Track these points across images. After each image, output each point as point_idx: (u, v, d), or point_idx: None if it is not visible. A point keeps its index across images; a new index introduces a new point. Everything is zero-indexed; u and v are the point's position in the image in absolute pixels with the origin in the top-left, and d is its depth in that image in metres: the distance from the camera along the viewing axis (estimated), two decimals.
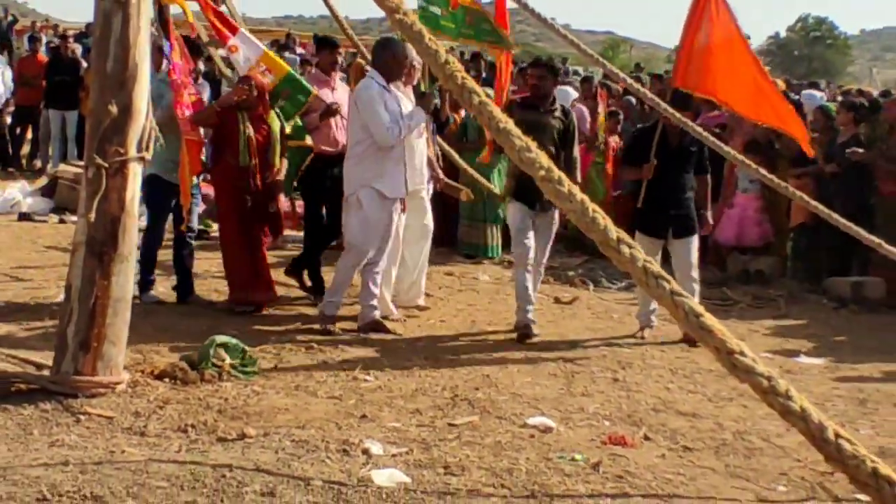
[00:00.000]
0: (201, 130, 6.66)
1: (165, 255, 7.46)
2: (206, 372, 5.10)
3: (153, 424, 4.39)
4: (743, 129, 8.88)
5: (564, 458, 4.20)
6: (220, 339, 5.34)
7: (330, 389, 5.10)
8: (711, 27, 6.54)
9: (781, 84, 12.21)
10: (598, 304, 7.92)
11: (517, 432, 4.55)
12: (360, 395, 5.02)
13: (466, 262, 9.17)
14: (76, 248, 4.78)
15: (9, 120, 13.87)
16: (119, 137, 4.73)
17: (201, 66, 7.20)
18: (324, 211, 7.40)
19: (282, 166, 6.87)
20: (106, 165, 4.69)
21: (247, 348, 5.40)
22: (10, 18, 20.69)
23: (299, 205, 9.45)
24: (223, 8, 7.33)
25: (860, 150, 8.33)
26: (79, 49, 13.85)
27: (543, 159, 3.90)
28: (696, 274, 6.63)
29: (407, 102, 6.46)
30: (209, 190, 7.74)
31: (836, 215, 5.59)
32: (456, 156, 8.39)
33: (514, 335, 6.52)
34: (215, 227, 7.92)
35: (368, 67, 6.83)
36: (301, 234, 8.96)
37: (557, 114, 6.58)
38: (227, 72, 8.67)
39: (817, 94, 12.64)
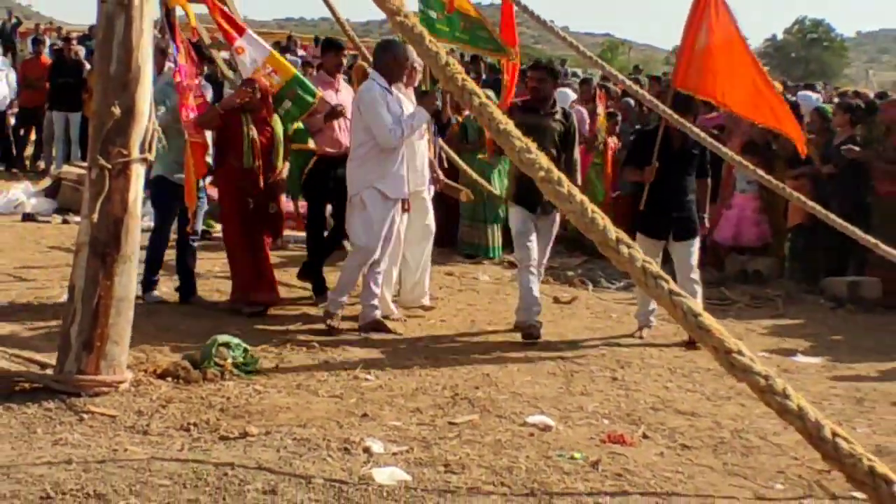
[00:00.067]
0: (206, 133, 6.69)
1: (168, 255, 7.47)
2: (208, 371, 5.13)
3: (156, 423, 4.41)
4: (740, 130, 8.90)
5: (564, 457, 4.22)
6: (223, 338, 5.37)
7: (331, 388, 5.13)
8: (711, 28, 6.55)
9: (778, 86, 12.24)
10: (596, 303, 7.94)
11: (517, 431, 4.58)
12: (361, 394, 5.05)
13: (466, 262, 9.19)
14: (79, 249, 4.81)
15: (13, 121, 13.92)
16: (122, 139, 4.76)
17: (205, 68, 7.20)
18: (328, 212, 7.43)
19: (283, 168, 6.90)
20: (109, 167, 4.72)
21: (249, 347, 5.43)
22: (13, 21, 20.76)
23: (302, 205, 9.49)
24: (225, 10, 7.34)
25: (856, 148, 8.36)
26: (82, 51, 13.88)
27: (543, 160, 3.92)
28: (696, 276, 6.63)
29: (408, 104, 6.50)
30: (213, 191, 7.76)
31: (832, 216, 5.61)
32: (455, 157, 8.42)
33: (514, 335, 6.55)
34: (218, 227, 7.95)
35: (370, 69, 6.86)
36: (303, 234, 9.02)
37: (558, 116, 6.59)
38: (230, 74, 8.69)
39: (813, 95, 12.65)
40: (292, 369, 5.49)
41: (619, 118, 10.54)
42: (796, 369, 6.13)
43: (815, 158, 8.77)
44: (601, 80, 11.60)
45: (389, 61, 6.36)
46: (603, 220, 3.79)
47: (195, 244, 7.10)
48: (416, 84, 6.90)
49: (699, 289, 6.57)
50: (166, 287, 7.21)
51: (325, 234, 7.55)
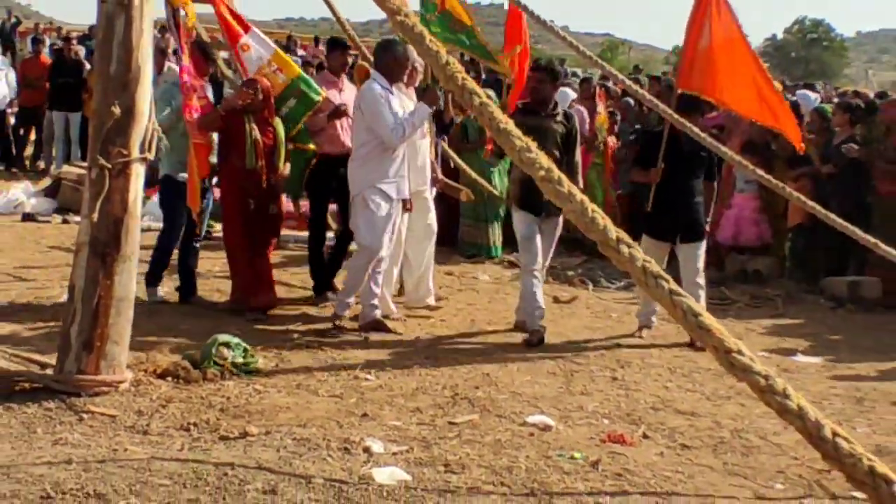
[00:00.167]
0: (212, 133, 6.68)
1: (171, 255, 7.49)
2: (208, 371, 5.14)
3: (156, 423, 4.42)
4: (740, 129, 8.90)
5: (564, 457, 4.22)
6: (222, 338, 5.37)
7: (331, 388, 5.13)
8: (713, 27, 6.55)
9: (778, 86, 12.23)
10: (596, 303, 7.94)
11: (517, 431, 4.58)
12: (360, 394, 5.05)
13: (466, 262, 9.20)
14: (79, 249, 4.81)
15: (12, 121, 13.94)
16: (122, 139, 4.76)
17: (211, 69, 7.17)
18: (333, 213, 7.43)
19: (285, 169, 6.90)
20: (109, 166, 4.72)
21: (248, 347, 5.43)
22: (13, 20, 20.78)
23: (303, 205, 9.49)
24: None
25: (856, 147, 8.36)
26: (82, 51, 13.91)
27: (543, 160, 3.93)
28: (701, 280, 6.59)
29: (409, 103, 6.50)
30: (217, 192, 7.75)
31: (832, 215, 5.60)
32: (455, 157, 8.42)
33: (515, 334, 6.56)
34: (218, 227, 7.94)
35: (372, 69, 6.86)
36: (303, 234, 9.02)
37: (559, 118, 6.57)
38: (230, 74, 8.69)
39: (812, 94, 12.67)
40: (292, 369, 5.49)
41: (618, 118, 10.54)
42: (796, 369, 6.13)
43: (815, 158, 8.77)
44: (600, 79, 11.59)
45: (390, 61, 6.37)
46: (603, 219, 3.79)
47: (198, 245, 7.10)
48: (416, 84, 6.90)
49: (703, 293, 6.54)
50: (167, 287, 7.21)
51: (328, 235, 7.56)
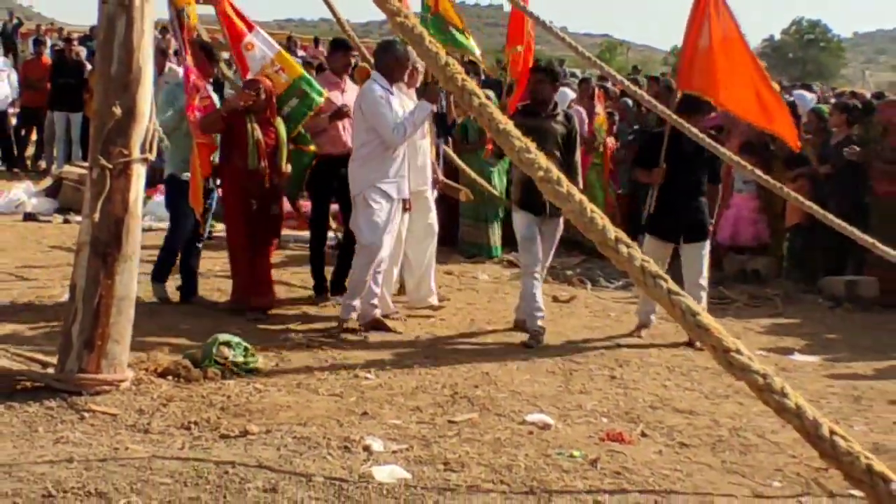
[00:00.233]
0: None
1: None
2: (208, 370, 5.15)
3: (157, 422, 4.43)
4: (739, 130, 8.92)
5: (563, 455, 4.24)
6: (223, 337, 5.38)
7: (331, 387, 5.15)
8: (712, 27, 6.56)
9: (776, 86, 12.25)
10: (595, 302, 7.96)
11: (516, 429, 4.60)
12: (360, 393, 5.07)
13: (466, 262, 9.21)
14: (80, 248, 4.82)
15: (14, 122, 13.97)
16: (123, 139, 4.78)
17: (216, 70, 7.16)
18: (331, 212, 7.44)
19: (286, 168, 6.91)
20: (110, 166, 4.73)
21: (249, 346, 5.44)
22: (15, 22, 20.83)
23: (304, 205, 9.51)
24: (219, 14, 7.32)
25: (857, 149, 8.38)
26: (83, 52, 13.92)
27: (542, 160, 3.95)
28: (704, 281, 6.59)
29: (409, 104, 6.50)
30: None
31: (830, 215, 5.62)
32: (455, 157, 8.44)
33: (514, 334, 6.57)
34: (219, 227, 7.96)
35: (372, 70, 6.87)
36: (303, 234, 9.04)
37: (560, 118, 6.57)
38: (230, 74, 8.70)
39: (808, 95, 12.69)
40: (292, 368, 5.50)
41: (616, 118, 10.56)
42: (794, 368, 6.15)
43: (813, 159, 8.80)
44: (598, 79, 11.61)
45: (390, 61, 6.39)
46: (602, 219, 3.81)
47: (200, 245, 7.11)
48: (417, 85, 6.91)
49: (704, 295, 6.54)
50: (168, 287, 7.22)
51: (330, 236, 7.57)
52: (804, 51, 71.16)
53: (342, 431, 4.41)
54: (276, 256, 7.71)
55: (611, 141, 10.22)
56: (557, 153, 6.37)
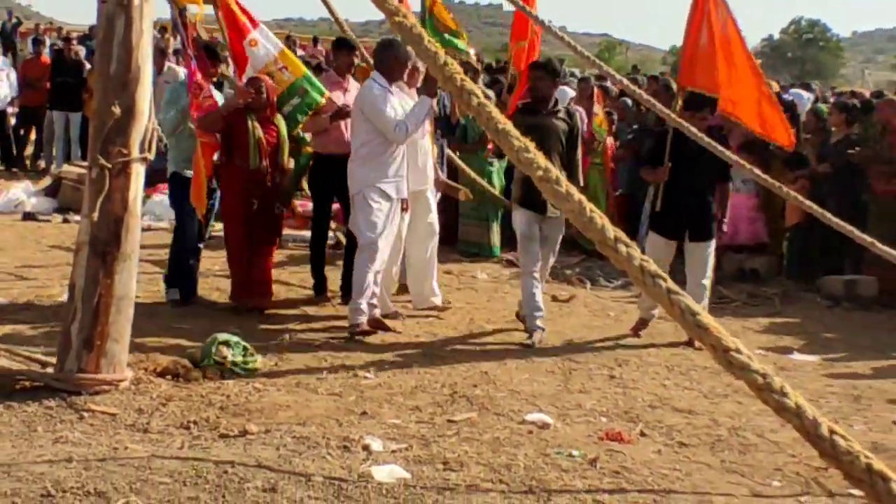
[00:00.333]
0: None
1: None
2: (208, 369, 5.16)
3: (156, 421, 4.44)
4: (738, 129, 8.92)
5: (562, 454, 4.25)
6: (222, 336, 5.39)
7: (330, 387, 5.15)
8: (711, 25, 6.57)
9: (775, 86, 12.25)
10: (594, 302, 7.96)
11: (515, 429, 4.60)
12: (360, 393, 5.07)
13: (465, 261, 9.22)
14: (80, 248, 4.83)
15: (13, 121, 13.98)
16: (122, 138, 4.78)
17: (219, 70, 7.14)
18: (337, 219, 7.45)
19: (289, 163, 6.89)
20: (109, 166, 4.74)
21: (248, 346, 5.44)
22: (14, 21, 20.88)
23: (301, 204, 9.51)
24: (220, 14, 7.31)
25: (857, 149, 8.39)
26: (82, 51, 13.95)
27: (541, 160, 3.95)
28: (707, 281, 6.57)
29: (410, 103, 6.48)
30: None
31: (829, 215, 5.62)
32: (455, 157, 8.44)
33: (513, 333, 6.57)
34: (218, 226, 7.96)
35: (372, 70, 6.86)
36: (303, 233, 9.04)
37: (561, 115, 6.56)
38: (229, 73, 8.70)
39: (805, 94, 12.70)
40: (292, 367, 5.51)
41: (615, 117, 10.56)
42: (793, 367, 6.15)
43: (812, 158, 8.80)
44: (597, 79, 11.60)
45: (390, 61, 6.38)
46: (601, 218, 3.81)
47: (202, 245, 7.11)
48: (418, 85, 6.90)
49: (706, 295, 6.53)
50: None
51: (329, 235, 7.57)
52: (803, 50, 71.28)
53: (341, 431, 4.42)
54: (277, 256, 7.71)
55: (610, 141, 10.22)
56: (559, 149, 6.36)
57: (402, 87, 6.65)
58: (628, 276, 3.98)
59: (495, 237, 9.49)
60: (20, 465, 3.78)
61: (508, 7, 7.30)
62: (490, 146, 9.16)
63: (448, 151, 8.02)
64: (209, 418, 4.51)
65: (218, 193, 6.94)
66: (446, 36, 7.65)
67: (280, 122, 6.80)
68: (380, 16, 4.42)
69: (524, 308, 6.54)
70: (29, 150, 14.19)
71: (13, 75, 13.65)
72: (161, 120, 6.49)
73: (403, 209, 6.68)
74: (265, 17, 7.29)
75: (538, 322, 6.41)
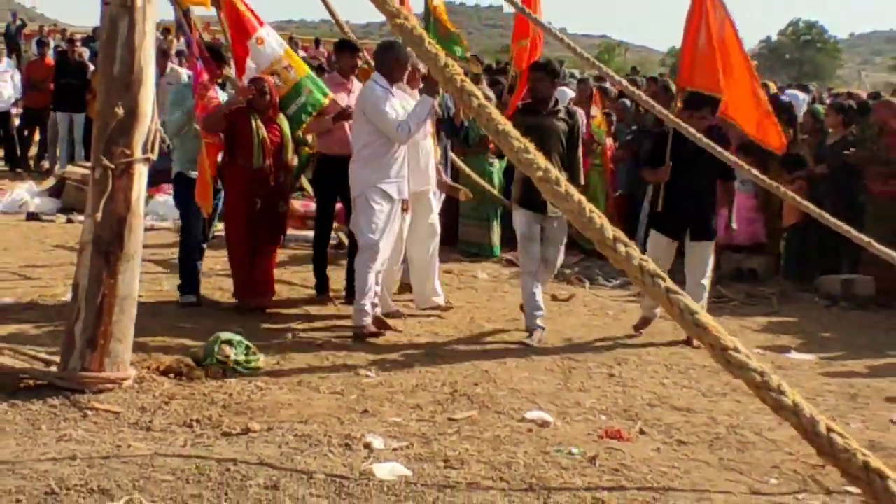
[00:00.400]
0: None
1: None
2: (210, 368, 5.19)
3: (159, 419, 4.47)
4: (734, 130, 8.94)
5: (562, 452, 4.27)
6: (225, 335, 5.40)
7: (332, 385, 5.18)
8: (710, 26, 6.60)
9: (773, 87, 12.28)
10: (594, 301, 7.98)
11: (515, 427, 4.63)
12: (361, 391, 5.10)
13: (465, 260, 9.24)
14: (83, 248, 4.86)
15: (17, 122, 14.03)
16: (125, 139, 4.81)
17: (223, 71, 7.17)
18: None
19: (292, 160, 6.91)
20: (112, 166, 4.77)
21: (251, 345, 5.47)
22: (18, 23, 20.93)
23: (303, 204, 9.54)
24: (223, 14, 7.33)
25: (852, 150, 8.41)
26: (86, 53, 13.97)
27: (541, 160, 3.98)
28: (706, 281, 6.58)
29: (412, 104, 6.50)
30: None
31: (826, 215, 5.64)
32: (455, 157, 8.46)
33: (513, 332, 6.59)
34: (220, 225, 7.99)
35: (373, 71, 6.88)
36: (303, 233, 9.07)
37: (561, 115, 6.57)
38: (230, 73, 8.72)
39: (801, 95, 12.71)
40: (294, 366, 5.53)
41: (614, 118, 10.58)
42: (790, 366, 6.17)
43: (809, 159, 8.82)
44: (595, 80, 11.63)
45: (391, 62, 6.39)
46: (600, 218, 3.83)
47: (205, 245, 7.13)
48: (420, 86, 6.92)
49: (705, 295, 6.54)
50: (169, 285, 7.26)
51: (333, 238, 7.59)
52: (801, 52, 71.38)
53: (343, 429, 4.44)
54: (279, 255, 7.73)
55: (609, 142, 10.24)
56: (560, 149, 6.38)
57: (404, 89, 6.66)
58: (627, 275, 4.01)
59: (496, 237, 9.52)
60: (24, 462, 3.81)
61: (509, 9, 7.31)
62: (492, 147, 9.20)
63: (453, 157, 8.03)
64: (212, 416, 4.54)
65: (222, 193, 6.97)
66: (446, 41, 7.67)
67: (283, 121, 6.82)
68: (381, 18, 4.45)
69: (524, 306, 6.56)
70: (33, 150, 14.26)
71: (17, 77, 13.71)
72: (166, 121, 6.53)
73: (404, 209, 6.71)
74: (267, 18, 7.28)
75: (538, 321, 6.44)
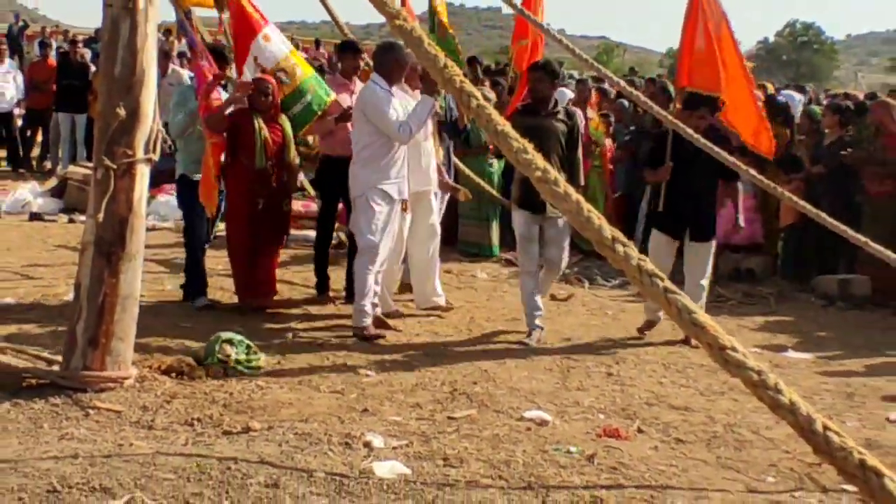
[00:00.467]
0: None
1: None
2: (211, 367, 5.21)
3: (160, 418, 4.48)
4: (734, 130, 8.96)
5: (560, 451, 4.29)
6: (226, 335, 5.43)
7: (332, 384, 5.20)
8: (706, 26, 6.62)
9: (770, 88, 12.30)
10: (592, 300, 8.00)
11: (514, 425, 4.65)
12: (361, 390, 5.12)
13: (465, 260, 9.25)
14: (85, 247, 4.88)
15: (20, 123, 14.04)
16: (127, 139, 4.83)
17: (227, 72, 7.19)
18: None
19: (295, 160, 6.93)
20: (114, 167, 4.79)
21: (251, 344, 5.49)
22: (21, 24, 20.91)
23: (303, 204, 9.56)
24: (225, 16, 7.36)
25: (849, 150, 8.44)
26: (88, 54, 13.97)
27: (539, 161, 3.99)
28: (705, 282, 6.59)
29: (412, 104, 6.52)
30: None
31: (823, 215, 5.66)
32: (455, 159, 8.48)
33: (512, 332, 6.61)
34: (222, 225, 8.01)
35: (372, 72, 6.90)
36: (303, 233, 9.09)
37: (561, 116, 6.58)
38: (232, 74, 8.74)
39: (797, 96, 12.73)
40: (294, 365, 5.56)
41: (612, 119, 10.61)
42: (788, 365, 6.19)
43: (806, 160, 8.85)
44: (594, 81, 11.64)
45: (390, 63, 6.39)
46: (599, 219, 3.85)
47: (207, 246, 7.14)
48: (419, 86, 6.94)
49: (704, 295, 6.56)
50: (171, 285, 7.28)
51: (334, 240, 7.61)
52: (798, 53, 71.43)
53: (343, 428, 4.46)
54: (281, 255, 7.74)
55: (608, 143, 10.26)
56: (559, 150, 6.40)
57: (404, 89, 6.68)
58: (626, 275, 4.03)
59: (495, 237, 9.54)
60: (26, 461, 3.83)
61: (508, 10, 7.34)
62: (491, 148, 9.22)
63: (455, 160, 8.05)
64: (213, 415, 4.56)
65: (224, 195, 7.00)
66: (444, 43, 7.70)
67: (285, 121, 6.84)
68: (381, 19, 4.47)
69: (523, 306, 6.58)
70: (35, 151, 14.27)
71: (20, 78, 13.73)
72: (169, 123, 6.55)
73: (404, 209, 6.73)
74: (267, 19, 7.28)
75: (537, 321, 6.46)
